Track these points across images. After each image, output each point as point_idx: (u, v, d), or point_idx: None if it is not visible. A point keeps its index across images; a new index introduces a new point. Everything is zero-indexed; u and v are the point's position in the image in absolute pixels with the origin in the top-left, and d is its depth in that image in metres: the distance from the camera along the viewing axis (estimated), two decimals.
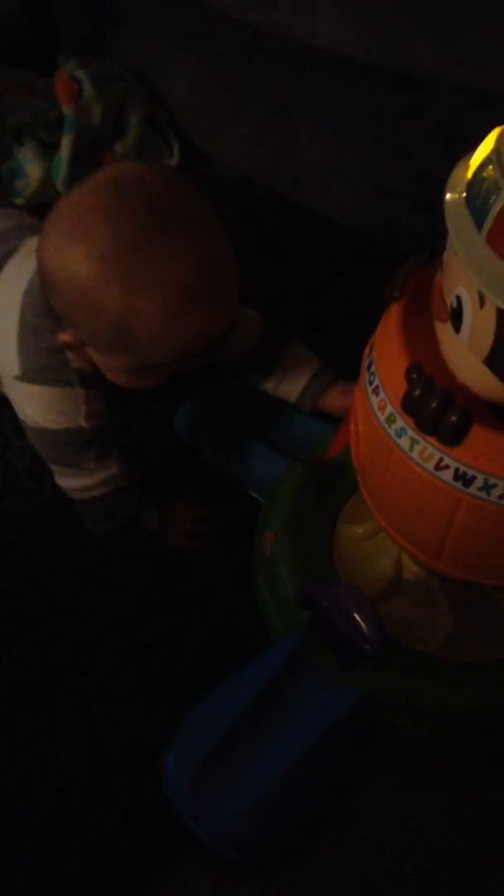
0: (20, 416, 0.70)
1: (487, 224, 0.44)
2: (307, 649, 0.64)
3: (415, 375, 0.50)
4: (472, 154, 0.47)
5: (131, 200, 0.58)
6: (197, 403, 0.82)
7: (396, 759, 0.66)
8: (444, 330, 0.50)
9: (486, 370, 0.48)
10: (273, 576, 0.69)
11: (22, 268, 0.68)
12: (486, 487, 0.50)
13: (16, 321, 0.67)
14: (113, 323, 0.60)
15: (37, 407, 0.67)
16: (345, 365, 0.77)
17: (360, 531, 0.70)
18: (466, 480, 0.50)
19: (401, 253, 0.59)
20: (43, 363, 0.66)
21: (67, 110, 0.98)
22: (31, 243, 0.68)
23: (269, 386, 0.78)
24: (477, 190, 0.45)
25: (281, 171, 1.00)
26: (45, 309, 0.65)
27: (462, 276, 0.46)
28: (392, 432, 0.53)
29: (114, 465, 0.70)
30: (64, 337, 0.64)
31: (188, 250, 0.59)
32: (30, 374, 0.66)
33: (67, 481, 0.71)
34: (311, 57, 0.85)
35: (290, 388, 0.77)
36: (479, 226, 0.45)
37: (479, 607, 0.66)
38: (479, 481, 0.50)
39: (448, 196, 0.47)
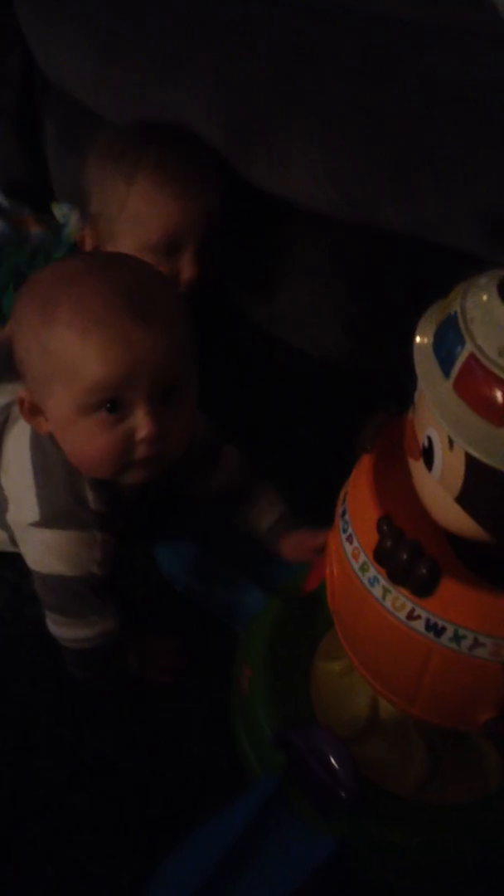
0: (30, 564, 0.69)
1: (454, 372, 0.46)
2: (283, 794, 0.63)
3: (385, 527, 0.52)
4: (440, 302, 0.49)
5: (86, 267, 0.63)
6: (176, 535, 0.83)
7: None
8: (417, 467, 0.52)
9: (457, 507, 0.49)
10: (249, 715, 0.69)
11: (23, 424, 0.69)
12: (457, 638, 0.51)
13: (29, 470, 0.68)
14: (38, 347, 0.61)
15: (52, 552, 0.67)
16: (314, 492, 0.79)
17: (337, 668, 0.70)
18: (437, 630, 0.51)
19: (371, 397, 0.62)
20: (62, 506, 0.67)
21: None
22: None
23: (237, 519, 0.79)
24: (443, 339, 0.47)
25: (258, 308, 1.05)
26: (53, 447, 0.67)
27: (432, 417, 0.47)
28: (366, 580, 0.54)
29: (111, 617, 0.70)
30: (21, 393, 0.65)
31: (116, 279, 0.61)
32: (48, 520, 0.67)
33: (64, 631, 0.71)
34: (286, 209, 0.91)
35: (257, 524, 0.78)
36: (447, 373, 0.46)
37: (456, 749, 0.65)
38: (450, 632, 0.51)
39: (418, 340, 0.49)
